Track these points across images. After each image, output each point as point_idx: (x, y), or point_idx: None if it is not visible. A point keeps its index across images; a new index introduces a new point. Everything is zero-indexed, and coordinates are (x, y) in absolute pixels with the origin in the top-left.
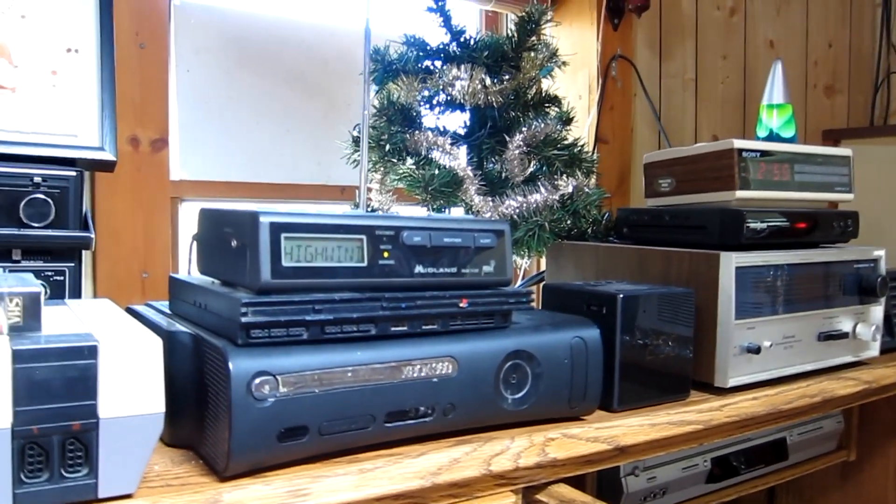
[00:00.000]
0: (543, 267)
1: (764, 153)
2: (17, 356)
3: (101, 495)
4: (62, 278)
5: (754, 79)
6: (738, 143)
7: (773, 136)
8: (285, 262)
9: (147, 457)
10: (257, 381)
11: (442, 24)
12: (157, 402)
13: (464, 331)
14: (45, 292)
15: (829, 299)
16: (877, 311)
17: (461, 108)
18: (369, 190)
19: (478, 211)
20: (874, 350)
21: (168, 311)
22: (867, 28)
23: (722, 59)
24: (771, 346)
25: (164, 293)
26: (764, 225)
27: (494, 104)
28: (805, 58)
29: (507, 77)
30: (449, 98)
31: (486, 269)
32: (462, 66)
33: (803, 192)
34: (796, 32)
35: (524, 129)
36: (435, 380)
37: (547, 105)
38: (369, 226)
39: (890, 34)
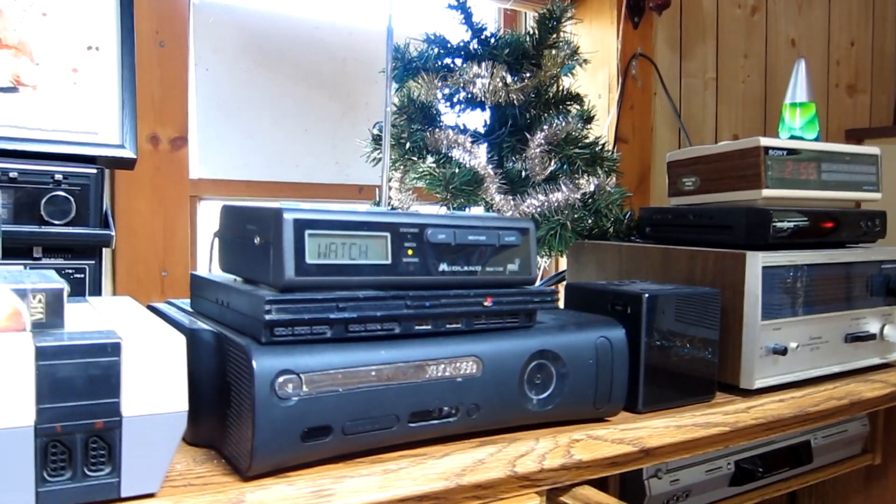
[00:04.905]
0: (563, 266)
1: (790, 151)
2: (41, 353)
3: (123, 494)
4: (82, 276)
5: (775, 78)
6: (765, 142)
7: (795, 136)
8: (309, 260)
9: (170, 456)
10: (281, 379)
11: (463, 21)
12: (180, 401)
13: (488, 330)
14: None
15: (855, 300)
16: None
17: (481, 106)
18: (389, 188)
19: (498, 210)
20: None
21: (189, 308)
22: (890, 26)
23: (743, 57)
24: (797, 347)
25: (184, 291)
26: (790, 224)
27: (515, 102)
28: (827, 57)
29: (527, 75)
30: (469, 96)
31: (510, 267)
32: (483, 64)
33: (830, 192)
34: (818, 31)
35: (545, 127)
36: (459, 380)
37: (568, 103)
38: (393, 223)
39: None
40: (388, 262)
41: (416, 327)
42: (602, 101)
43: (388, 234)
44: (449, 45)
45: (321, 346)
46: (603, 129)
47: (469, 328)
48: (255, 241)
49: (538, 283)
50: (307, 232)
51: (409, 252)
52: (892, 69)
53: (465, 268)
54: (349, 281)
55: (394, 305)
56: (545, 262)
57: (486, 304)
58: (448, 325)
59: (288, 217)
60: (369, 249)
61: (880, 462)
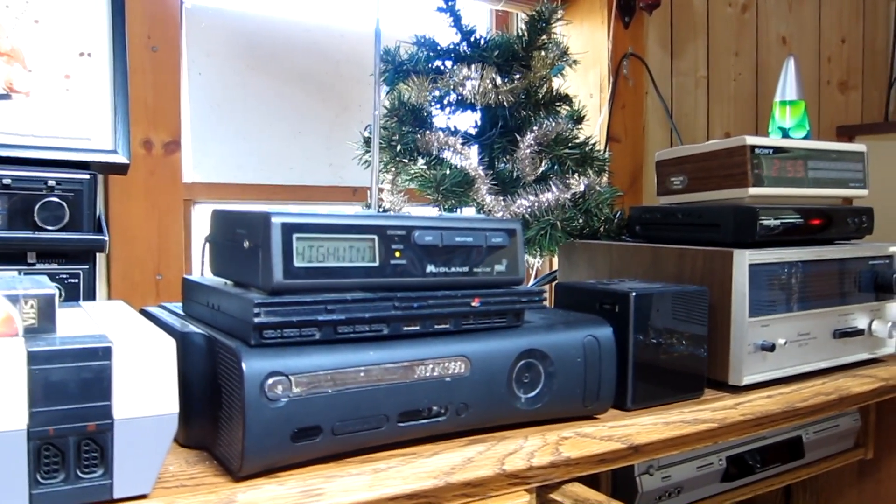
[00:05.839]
0: (556, 266)
1: (777, 150)
2: (33, 358)
3: (116, 496)
4: (77, 280)
5: (767, 75)
6: (751, 140)
7: (785, 133)
8: (297, 263)
9: (162, 457)
10: (270, 381)
11: (452, 24)
12: (171, 403)
13: (476, 330)
14: (60, 294)
15: (844, 296)
16: (893, 308)
17: (472, 107)
18: (381, 190)
19: (489, 210)
20: (890, 347)
21: (181, 312)
22: (881, 23)
23: (734, 56)
24: (785, 343)
25: (178, 295)
26: (777, 222)
27: (505, 103)
28: (818, 54)
29: (517, 76)
30: (460, 98)
31: (498, 268)
32: (472, 66)
33: (817, 189)
34: (809, 28)
35: (535, 128)
36: (448, 379)
37: (558, 104)
38: (381, 226)
39: None
40: (376, 264)
41: (405, 328)
42: (594, 100)
43: (375, 237)
44: (439, 48)
45: (310, 348)
46: (595, 129)
47: (457, 328)
48: (245, 245)
49: (531, 282)
50: (295, 235)
51: (397, 254)
52: (884, 65)
53: (453, 269)
54: (337, 283)
55: (382, 307)
56: (538, 262)
57: (473, 304)
58: (436, 326)
59: (276, 221)
60: (357, 252)
61: (872, 456)
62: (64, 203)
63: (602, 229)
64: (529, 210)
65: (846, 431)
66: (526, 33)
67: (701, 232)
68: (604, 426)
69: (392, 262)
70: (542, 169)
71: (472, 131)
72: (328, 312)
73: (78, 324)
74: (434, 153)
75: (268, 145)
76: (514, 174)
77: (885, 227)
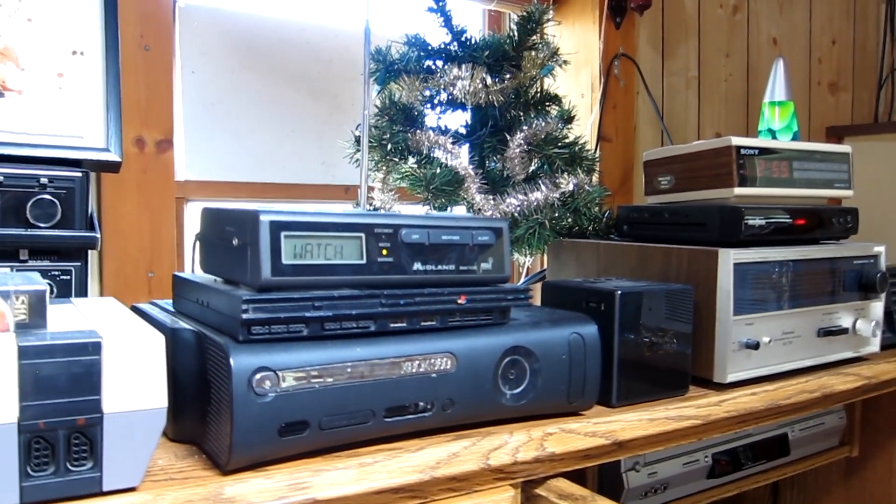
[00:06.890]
0: (546, 265)
1: (762, 150)
2: (23, 352)
3: (105, 488)
4: (68, 277)
5: (757, 76)
6: (736, 141)
7: (774, 134)
8: (285, 260)
9: (151, 451)
10: (258, 376)
11: (442, 24)
12: (159, 397)
13: (462, 327)
14: (52, 291)
15: (829, 295)
16: (877, 307)
17: (462, 107)
18: (372, 189)
19: (479, 209)
20: (874, 346)
21: (172, 309)
22: (871, 24)
23: (725, 56)
24: (770, 341)
25: (170, 292)
26: (763, 221)
27: (495, 103)
28: (809, 55)
29: (507, 76)
30: (450, 97)
31: (484, 266)
32: (463, 66)
33: (803, 189)
34: (800, 29)
35: (525, 127)
36: (434, 375)
37: (548, 104)
38: (368, 224)
39: (895, 30)
40: (363, 261)
41: (392, 325)
42: (585, 100)
43: (362, 235)
44: (429, 48)
45: (298, 344)
46: (585, 129)
47: (444, 325)
48: (234, 243)
49: (521, 281)
50: (283, 233)
51: (384, 252)
52: (874, 67)
53: (440, 267)
54: (325, 280)
55: (369, 304)
56: (528, 261)
57: (460, 301)
58: (423, 323)
59: (264, 219)
60: (344, 250)
61: (858, 454)
62: (56, 200)
63: (591, 228)
64: (519, 209)
65: (832, 429)
66: (516, 34)
67: (687, 231)
68: (588, 422)
69: (379, 259)
70: (531, 168)
71: (463, 131)
72: (315, 309)
73: (68, 320)
74: (424, 152)
75: (261, 144)
76: (504, 173)
77: (872, 227)
